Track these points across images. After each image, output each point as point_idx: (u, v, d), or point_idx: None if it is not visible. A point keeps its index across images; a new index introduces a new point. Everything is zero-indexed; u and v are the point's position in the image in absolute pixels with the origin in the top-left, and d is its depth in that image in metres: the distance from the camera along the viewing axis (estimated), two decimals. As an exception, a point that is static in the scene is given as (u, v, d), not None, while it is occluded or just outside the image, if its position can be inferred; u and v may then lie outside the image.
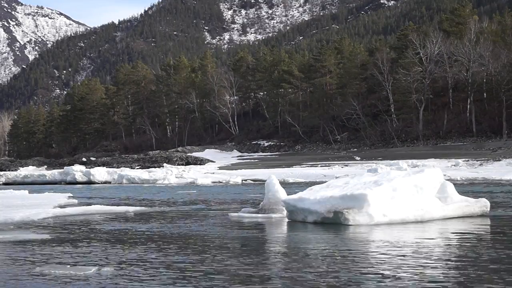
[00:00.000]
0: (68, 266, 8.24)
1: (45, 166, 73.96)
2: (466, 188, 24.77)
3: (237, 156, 72.41)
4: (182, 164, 62.44)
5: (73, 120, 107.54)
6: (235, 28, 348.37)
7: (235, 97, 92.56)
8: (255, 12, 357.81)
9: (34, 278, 7.57)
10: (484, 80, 65.30)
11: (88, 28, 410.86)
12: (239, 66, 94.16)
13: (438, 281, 6.92)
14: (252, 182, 40.56)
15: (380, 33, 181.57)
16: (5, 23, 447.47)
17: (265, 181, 15.80)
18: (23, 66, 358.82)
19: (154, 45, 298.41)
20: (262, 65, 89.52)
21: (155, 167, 58.54)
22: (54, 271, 7.90)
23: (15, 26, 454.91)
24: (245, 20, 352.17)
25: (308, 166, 49.48)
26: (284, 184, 27.41)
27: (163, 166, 58.63)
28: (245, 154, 75.12)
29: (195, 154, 71.42)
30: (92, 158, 76.04)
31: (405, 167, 34.85)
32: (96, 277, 7.50)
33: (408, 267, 7.75)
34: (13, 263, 8.68)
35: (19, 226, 13.70)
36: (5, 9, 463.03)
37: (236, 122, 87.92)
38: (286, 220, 14.09)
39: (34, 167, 72.85)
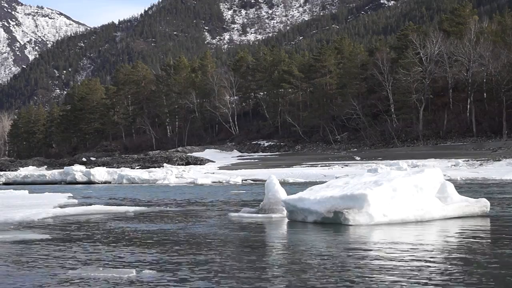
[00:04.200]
0: (101, 268, 7.92)
1: (45, 166, 73.99)
2: (466, 188, 24.77)
3: (237, 156, 72.42)
4: (182, 164, 62.44)
5: (73, 120, 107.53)
6: (235, 28, 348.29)
7: (235, 97, 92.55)
8: (255, 12, 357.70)
9: (74, 281, 7.28)
10: (484, 80, 65.32)
11: (88, 28, 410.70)
12: (239, 66, 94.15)
13: (438, 281, 6.92)
14: (252, 182, 40.56)
15: (380, 33, 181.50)
16: (5, 23, 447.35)
17: (265, 181, 15.80)
18: (23, 66, 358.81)
19: (154, 45, 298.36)
20: (262, 65, 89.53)
21: (155, 167, 58.56)
22: (94, 274, 7.56)
23: (15, 26, 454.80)
24: (245, 20, 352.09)
25: (308, 166, 49.48)
26: (284, 184, 27.40)
27: (163, 166, 58.64)
28: (245, 154, 75.13)
29: (195, 154, 71.44)
30: (92, 158, 76.08)
31: (405, 167, 34.90)
32: (142, 280, 7.21)
33: (408, 267, 7.75)
34: (30, 264, 8.50)
35: (19, 226, 13.70)
36: (5, 9, 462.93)
37: (236, 122, 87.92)
38: (286, 220, 14.09)
39: (34, 167, 72.88)
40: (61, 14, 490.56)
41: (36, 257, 9.17)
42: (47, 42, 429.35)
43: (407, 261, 8.15)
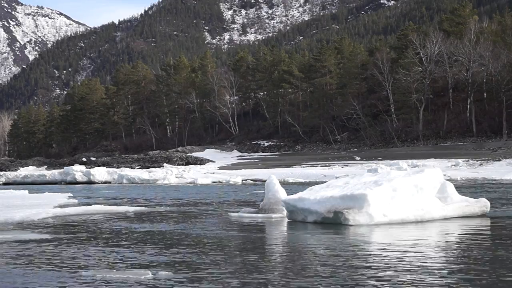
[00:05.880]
0: (114, 270, 7.78)
1: (45, 166, 73.95)
2: (466, 188, 24.77)
3: (237, 156, 72.41)
4: (182, 164, 62.43)
5: (73, 120, 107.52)
6: (235, 28, 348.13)
7: (235, 97, 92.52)
8: (255, 12, 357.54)
9: (90, 282, 7.19)
10: (484, 80, 65.29)
11: (88, 28, 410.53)
12: (239, 66, 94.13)
13: (438, 281, 6.92)
14: (252, 182, 40.55)
15: (380, 33, 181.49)
16: (5, 23, 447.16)
17: (265, 181, 15.80)
18: (23, 66, 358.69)
19: (154, 45, 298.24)
20: (262, 65, 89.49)
21: (155, 167, 58.53)
22: (109, 275, 7.42)
23: (15, 26, 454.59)
24: (245, 20, 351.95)
25: (308, 166, 49.47)
26: (284, 184, 27.40)
27: (163, 166, 58.62)
28: (245, 154, 75.11)
29: (195, 154, 71.42)
30: (92, 158, 76.04)
31: (405, 167, 34.90)
32: (160, 281, 7.14)
33: (408, 267, 7.75)
34: (38, 265, 8.42)
35: (19, 226, 13.69)
36: (5, 9, 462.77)
37: (236, 122, 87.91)
38: (286, 220, 14.10)
39: (34, 167, 72.83)
40: (61, 14, 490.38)
41: (40, 257, 9.16)
42: (47, 42, 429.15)
43: (407, 261, 8.15)
